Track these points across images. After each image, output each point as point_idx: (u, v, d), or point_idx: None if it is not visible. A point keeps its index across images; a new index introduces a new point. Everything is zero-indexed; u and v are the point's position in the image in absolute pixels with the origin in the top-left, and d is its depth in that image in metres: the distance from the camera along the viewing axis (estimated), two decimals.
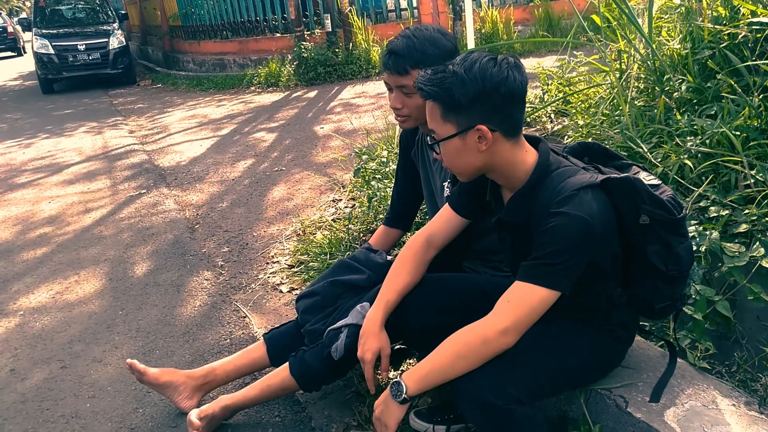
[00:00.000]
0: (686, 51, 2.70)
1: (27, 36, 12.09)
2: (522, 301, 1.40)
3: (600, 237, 1.39)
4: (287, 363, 1.90)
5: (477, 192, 1.64)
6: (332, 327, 1.86)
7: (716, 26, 2.64)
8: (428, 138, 1.51)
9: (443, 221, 1.73)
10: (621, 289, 1.53)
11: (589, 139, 2.95)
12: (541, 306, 1.39)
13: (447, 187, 1.92)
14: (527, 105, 4.27)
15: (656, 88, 2.80)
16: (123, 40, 12.00)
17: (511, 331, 1.40)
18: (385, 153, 3.65)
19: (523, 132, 1.52)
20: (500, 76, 1.37)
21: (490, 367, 1.43)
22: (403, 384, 1.45)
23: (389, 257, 2.20)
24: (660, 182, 1.51)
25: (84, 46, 11.46)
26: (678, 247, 1.46)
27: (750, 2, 2.60)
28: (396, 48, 1.83)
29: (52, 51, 11.28)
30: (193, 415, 1.87)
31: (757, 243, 1.82)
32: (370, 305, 1.81)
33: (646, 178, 1.49)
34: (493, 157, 1.45)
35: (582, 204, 1.36)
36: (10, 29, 24.33)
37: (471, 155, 1.45)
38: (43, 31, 11.85)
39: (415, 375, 1.46)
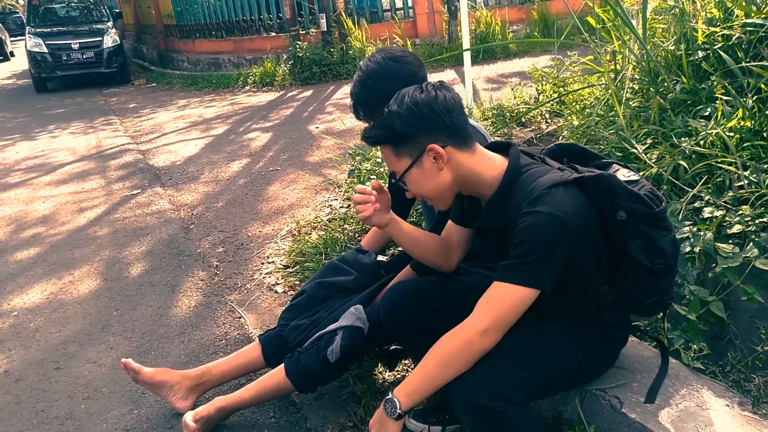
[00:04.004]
0: (680, 52, 2.71)
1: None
2: (500, 301, 1.41)
3: (575, 233, 1.39)
4: (283, 364, 1.91)
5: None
6: (327, 330, 1.86)
7: (710, 28, 2.65)
8: (392, 179, 1.57)
9: (454, 237, 1.74)
10: (608, 287, 1.53)
11: (584, 140, 2.96)
12: (520, 305, 1.40)
13: None
14: (523, 104, 4.28)
15: (651, 89, 2.81)
16: (117, 38, 11.94)
17: (491, 330, 1.41)
18: (379, 153, 3.65)
19: (500, 140, 1.54)
20: (430, 98, 1.47)
21: (482, 369, 1.44)
22: (396, 400, 1.46)
23: (380, 257, 2.21)
24: (639, 178, 1.52)
25: (78, 45, 11.40)
26: (661, 241, 1.46)
27: (743, 4, 2.62)
28: (358, 99, 1.87)
29: (45, 50, 11.22)
30: (189, 418, 1.87)
31: (751, 244, 1.83)
32: (364, 307, 1.82)
33: (626, 174, 1.50)
34: (457, 172, 1.49)
35: (553, 201, 1.37)
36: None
37: (434, 178, 1.50)
38: (37, 29, 11.78)
39: (406, 389, 1.47)
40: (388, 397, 1.48)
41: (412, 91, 1.50)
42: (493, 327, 1.41)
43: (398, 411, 1.46)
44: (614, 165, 1.57)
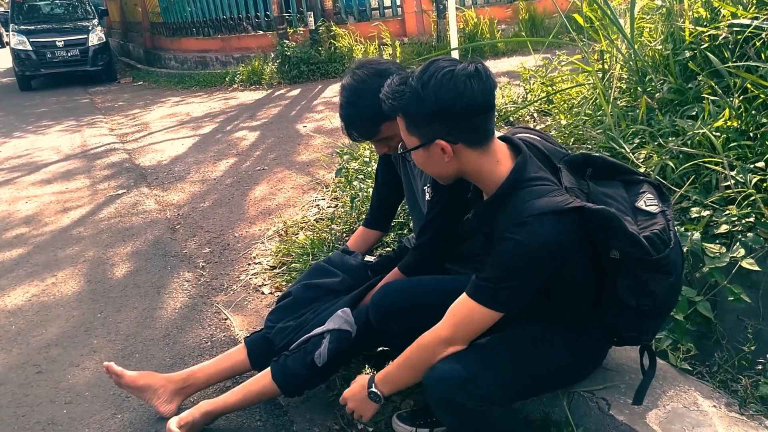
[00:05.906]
0: (668, 52, 2.72)
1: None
2: (464, 316, 1.44)
3: (554, 263, 1.36)
4: (269, 368, 1.88)
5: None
6: (314, 333, 1.84)
7: (697, 27, 2.65)
8: (399, 146, 1.54)
9: None
10: (590, 307, 1.50)
11: (572, 139, 2.96)
12: (482, 323, 1.42)
13: (428, 191, 1.91)
14: (511, 104, 4.27)
15: (638, 88, 2.81)
16: (103, 36, 11.83)
17: (454, 341, 1.46)
18: (367, 152, 3.63)
19: (521, 135, 1.51)
20: (455, 91, 1.34)
21: (461, 370, 1.44)
22: (377, 391, 1.59)
23: (368, 258, 2.19)
24: (659, 210, 1.43)
25: (62, 43, 11.28)
26: (655, 285, 1.38)
27: (730, 4, 2.62)
28: (348, 120, 1.82)
29: (29, 47, 11.10)
30: (173, 423, 1.84)
31: (738, 244, 1.83)
32: (351, 309, 1.80)
33: (647, 202, 1.44)
34: (462, 166, 1.45)
35: (539, 230, 1.31)
36: None
37: (438, 164, 1.46)
38: (21, 27, 11.64)
39: (383, 378, 1.59)
40: (371, 389, 1.60)
41: (441, 75, 1.34)
42: (455, 338, 1.46)
43: (378, 394, 1.59)
44: (645, 184, 1.50)
